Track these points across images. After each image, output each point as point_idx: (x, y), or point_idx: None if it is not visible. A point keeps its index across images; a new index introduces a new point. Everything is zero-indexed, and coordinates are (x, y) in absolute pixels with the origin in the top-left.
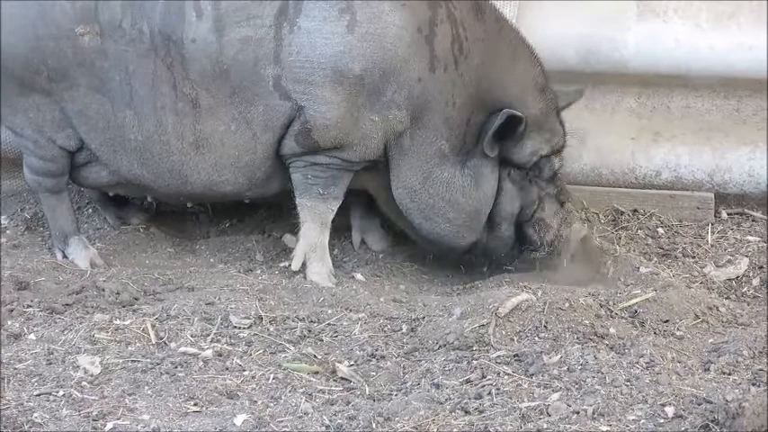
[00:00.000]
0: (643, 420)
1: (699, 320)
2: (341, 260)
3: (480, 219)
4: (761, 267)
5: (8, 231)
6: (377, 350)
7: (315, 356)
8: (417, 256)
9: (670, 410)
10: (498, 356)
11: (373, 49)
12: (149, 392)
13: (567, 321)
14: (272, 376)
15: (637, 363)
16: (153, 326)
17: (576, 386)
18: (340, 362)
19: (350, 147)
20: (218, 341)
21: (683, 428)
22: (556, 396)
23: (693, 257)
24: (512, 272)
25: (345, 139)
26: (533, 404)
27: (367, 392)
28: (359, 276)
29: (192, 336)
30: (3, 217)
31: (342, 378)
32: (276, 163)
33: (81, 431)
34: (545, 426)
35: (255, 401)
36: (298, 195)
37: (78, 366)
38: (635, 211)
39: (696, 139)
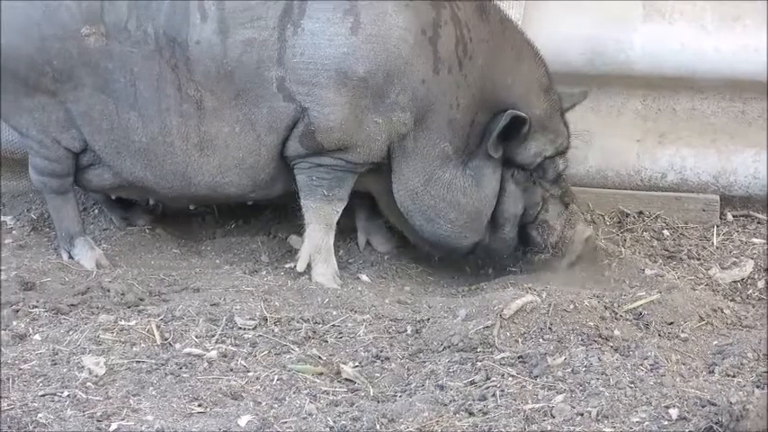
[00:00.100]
0: (647, 422)
1: (703, 322)
2: (346, 261)
3: (482, 219)
4: (766, 270)
5: (14, 232)
6: (381, 351)
7: (319, 358)
8: (422, 257)
9: (674, 412)
10: (502, 358)
11: (377, 51)
12: (154, 393)
13: (571, 323)
14: (276, 377)
15: (641, 365)
16: (158, 327)
17: (581, 388)
18: (344, 363)
19: (354, 148)
20: (222, 342)
21: (686, 430)
22: (560, 398)
23: (699, 259)
24: (517, 273)
25: (349, 141)
26: (537, 406)
27: (371, 394)
28: (364, 278)
29: (196, 337)
30: (9, 217)
31: (346, 379)
32: (280, 164)
33: (85, 431)
34: (549, 427)
35: (260, 402)
36: (302, 197)
37: (83, 367)
38: (640, 213)
39: (701, 141)
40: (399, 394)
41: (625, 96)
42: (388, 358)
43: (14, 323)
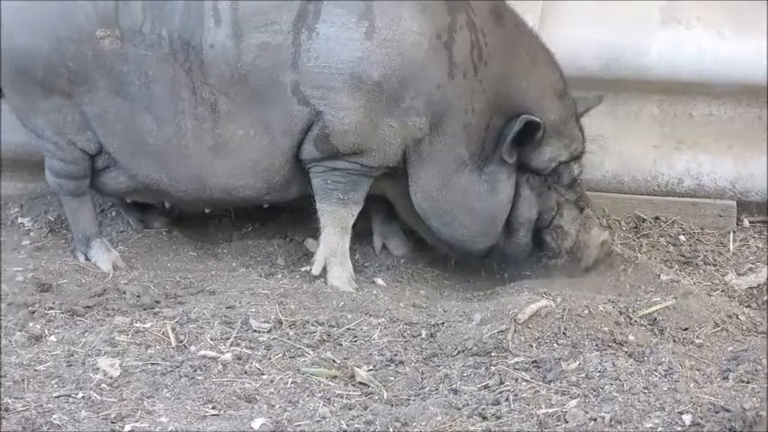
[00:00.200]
0: (660, 428)
1: (718, 328)
2: (362, 265)
3: (497, 224)
4: None
5: (32, 233)
6: (396, 355)
7: (334, 361)
8: (438, 261)
9: (687, 418)
10: (516, 363)
11: (392, 56)
12: (168, 395)
13: (586, 328)
14: (290, 380)
15: (655, 370)
16: (173, 329)
17: (594, 393)
18: (359, 366)
19: (369, 152)
20: (237, 345)
21: None
22: (573, 403)
23: (715, 265)
24: (532, 278)
25: (364, 145)
26: (551, 411)
27: (385, 397)
28: (380, 281)
29: (211, 339)
30: (27, 219)
31: (360, 383)
32: (295, 167)
33: None
34: None
35: (273, 405)
36: (318, 200)
37: (98, 369)
38: (657, 218)
39: (718, 146)
40: (413, 398)
41: (642, 102)
42: (402, 362)
43: (30, 324)
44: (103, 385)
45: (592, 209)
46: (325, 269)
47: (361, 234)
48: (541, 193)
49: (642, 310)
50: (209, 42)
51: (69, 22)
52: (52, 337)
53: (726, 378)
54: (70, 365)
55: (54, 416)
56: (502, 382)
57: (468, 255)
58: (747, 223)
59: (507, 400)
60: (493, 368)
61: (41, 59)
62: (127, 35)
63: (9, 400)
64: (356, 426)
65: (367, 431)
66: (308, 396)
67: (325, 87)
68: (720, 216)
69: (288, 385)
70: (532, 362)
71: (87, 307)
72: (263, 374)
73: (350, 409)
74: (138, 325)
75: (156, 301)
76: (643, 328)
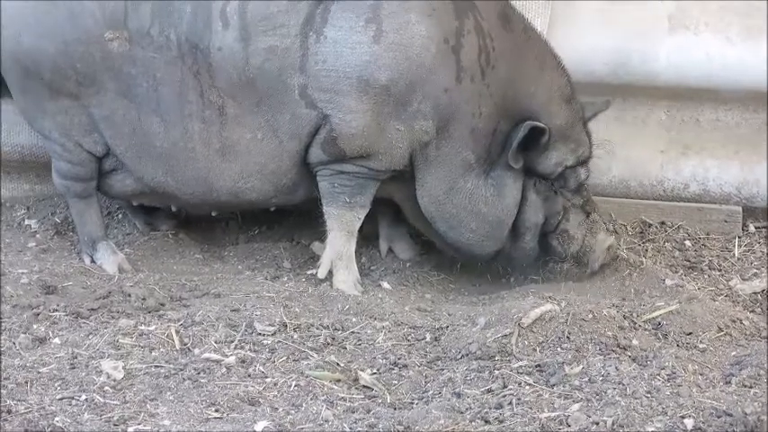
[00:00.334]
0: None
1: (722, 333)
2: (368, 268)
3: (503, 229)
4: None
5: (38, 235)
6: (399, 359)
7: (337, 364)
8: (444, 265)
9: (689, 423)
10: (520, 366)
11: (399, 59)
12: (171, 398)
13: (589, 332)
14: (294, 383)
15: (658, 375)
16: (177, 332)
17: (597, 397)
18: (362, 370)
19: (376, 156)
20: (241, 348)
21: None
22: (576, 407)
23: (720, 270)
24: (538, 282)
25: (371, 148)
26: (553, 415)
27: (388, 401)
28: (386, 285)
29: (215, 342)
30: (33, 221)
31: (364, 386)
32: (302, 170)
33: None
34: None
35: (276, 408)
36: (324, 204)
37: (101, 371)
38: (662, 223)
39: (725, 152)
40: (416, 401)
41: (649, 107)
42: (406, 365)
43: (35, 326)
44: (107, 388)
45: (598, 213)
46: (330, 272)
47: (367, 237)
48: (548, 198)
49: (646, 315)
50: (217, 45)
51: (77, 23)
52: (56, 340)
53: (728, 382)
54: (74, 368)
55: (57, 418)
56: (505, 386)
57: (475, 259)
58: (753, 229)
59: (510, 403)
60: (496, 372)
61: (49, 61)
62: (135, 37)
63: (12, 403)
64: (359, 429)
65: None
66: (311, 399)
67: (333, 91)
68: (726, 221)
69: (291, 388)
70: (536, 366)
71: (92, 309)
72: (266, 377)
73: (353, 413)
74: (142, 327)
75: (161, 304)
76: (647, 332)
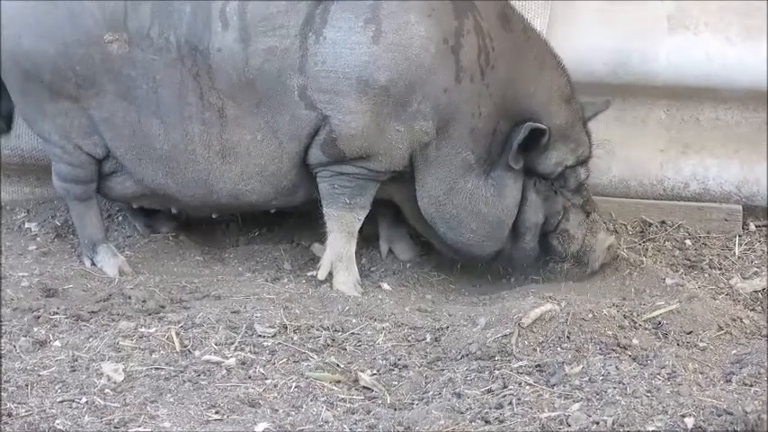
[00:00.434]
0: (662, 431)
1: (722, 332)
2: (368, 269)
3: (503, 229)
4: None
5: (38, 238)
6: (400, 359)
7: (338, 365)
8: (444, 265)
9: (690, 421)
10: (520, 366)
11: (398, 60)
12: (171, 400)
13: (589, 332)
14: (294, 385)
15: (658, 374)
16: (177, 334)
17: (597, 397)
18: (362, 371)
19: (376, 157)
20: (241, 350)
21: None
22: (576, 407)
23: (720, 269)
24: (538, 282)
25: (371, 149)
26: (554, 414)
27: (388, 401)
28: (386, 286)
29: (216, 344)
30: (34, 224)
31: (364, 387)
32: (302, 172)
33: None
34: None
35: (277, 410)
36: (324, 205)
37: (102, 373)
38: (663, 222)
39: (725, 151)
40: (416, 402)
41: (649, 106)
42: (406, 366)
43: (35, 329)
44: (107, 390)
45: (598, 213)
46: (331, 274)
47: (367, 238)
48: (548, 198)
49: (646, 314)
50: (217, 47)
51: (77, 25)
52: (57, 342)
53: (729, 381)
54: (74, 370)
55: (57, 421)
56: (505, 386)
57: (475, 259)
58: (753, 227)
59: (510, 403)
60: (496, 372)
61: (48, 63)
62: (135, 39)
63: (12, 406)
64: (359, 430)
65: None
66: (311, 400)
67: (332, 91)
68: (726, 220)
69: (291, 390)
70: (536, 366)
71: (92, 312)
72: (266, 379)
73: (353, 414)
74: (142, 330)
75: (162, 306)
76: (647, 331)
